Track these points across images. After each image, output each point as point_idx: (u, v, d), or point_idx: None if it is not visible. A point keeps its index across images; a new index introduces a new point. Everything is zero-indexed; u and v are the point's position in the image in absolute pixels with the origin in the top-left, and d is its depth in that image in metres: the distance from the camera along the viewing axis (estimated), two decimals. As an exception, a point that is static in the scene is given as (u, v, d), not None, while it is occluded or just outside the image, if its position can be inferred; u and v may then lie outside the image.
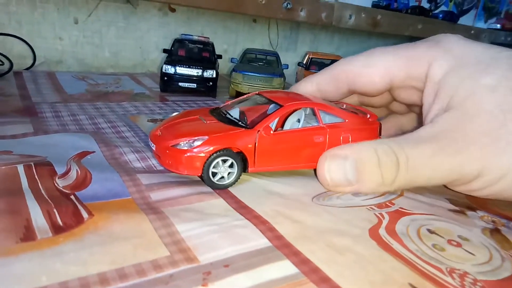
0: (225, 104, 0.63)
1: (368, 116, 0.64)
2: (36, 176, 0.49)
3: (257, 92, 0.64)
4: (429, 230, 0.48)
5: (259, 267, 0.37)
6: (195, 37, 1.14)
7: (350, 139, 0.58)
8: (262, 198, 0.51)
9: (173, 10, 1.37)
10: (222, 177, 0.52)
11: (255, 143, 0.52)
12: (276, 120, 0.55)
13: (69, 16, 1.21)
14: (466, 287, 0.38)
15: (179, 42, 1.11)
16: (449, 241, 0.46)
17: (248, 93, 0.66)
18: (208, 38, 1.16)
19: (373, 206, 0.52)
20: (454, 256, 0.43)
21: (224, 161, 0.51)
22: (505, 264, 0.42)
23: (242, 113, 0.61)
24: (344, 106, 0.68)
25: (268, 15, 1.43)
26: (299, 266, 0.38)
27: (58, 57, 1.23)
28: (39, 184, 0.47)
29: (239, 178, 0.53)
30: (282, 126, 0.60)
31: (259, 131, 0.53)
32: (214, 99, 1.06)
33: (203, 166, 0.50)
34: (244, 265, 0.37)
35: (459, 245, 0.45)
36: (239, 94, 1.00)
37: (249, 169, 0.53)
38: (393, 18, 1.72)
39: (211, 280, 0.35)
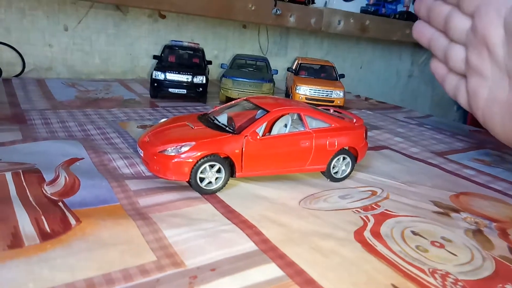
0: (213, 110, 0.63)
1: (354, 120, 0.65)
2: (24, 184, 0.49)
3: (245, 98, 0.65)
4: (413, 232, 0.49)
5: (245, 270, 0.38)
6: (185, 43, 1.15)
7: (336, 144, 0.59)
8: (250, 202, 0.52)
9: (163, 17, 1.37)
10: (210, 182, 0.53)
11: (242, 148, 0.53)
12: (263, 125, 0.56)
13: (59, 23, 1.21)
14: (448, 287, 0.39)
15: (169, 49, 1.12)
16: (432, 243, 0.47)
17: (238, 98, 0.67)
18: (198, 44, 1.17)
19: (359, 209, 0.53)
20: (436, 257, 0.44)
21: (212, 166, 0.52)
22: (485, 264, 0.43)
23: (229, 119, 0.62)
24: (331, 111, 0.69)
25: (257, 21, 1.44)
26: (284, 269, 0.39)
27: (48, 64, 1.23)
28: (27, 191, 0.48)
29: (226, 183, 0.54)
30: (270, 131, 0.61)
31: (246, 136, 0.53)
32: (204, 105, 1.07)
33: (191, 171, 0.51)
34: (230, 269, 0.38)
35: (442, 246, 0.46)
36: (229, 99, 1.01)
37: (236, 174, 0.54)
38: (382, 23, 1.75)
39: (197, 284, 0.35)
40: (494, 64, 0.38)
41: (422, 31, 0.50)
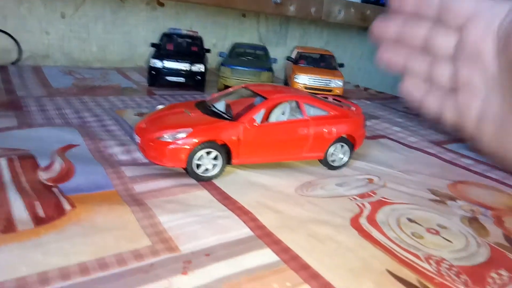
0: (211, 97, 0.63)
1: (353, 108, 0.65)
2: (19, 169, 0.49)
3: (243, 85, 0.64)
4: (409, 219, 0.49)
5: (240, 255, 0.38)
6: (184, 31, 1.14)
7: (334, 132, 0.59)
8: (246, 189, 0.52)
9: (161, 4, 1.36)
10: (207, 169, 0.53)
11: (240, 135, 0.53)
12: (261, 112, 0.56)
13: (56, 10, 1.20)
14: (442, 272, 0.39)
15: (167, 37, 1.11)
16: (428, 229, 0.47)
17: (235, 86, 0.66)
18: (197, 32, 1.16)
19: (355, 196, 0.53)
20: (432, 243, 0.44)
21: (208, 153, 0.52)
22: (480, 250, 0.43)
23: (227, 106, 0.61)
24: (329, 99, 0.69)
25: (257, 10, 1.43)
26: (279, 254, 0.38)
27: (45, 51, 1.22)
28: (22, 177, 0.47)
29: (223, 170, 0.53)
30: (268, 118, 0.60)
31: (243, 123, 0.53)
32: (203, 93, 1.06)
33: (187, 158, 0.51)
34: (225, 254, 0.38)
35: (437, 233, 0.46)
36: (227, 88, 1.00)
37: (233, 161, 0.53)
38: (382, 13, 1.73)
39: (191, 269, 0.35)
40: (487, 78, 0.37)
41: (393, 59, 0.45)
